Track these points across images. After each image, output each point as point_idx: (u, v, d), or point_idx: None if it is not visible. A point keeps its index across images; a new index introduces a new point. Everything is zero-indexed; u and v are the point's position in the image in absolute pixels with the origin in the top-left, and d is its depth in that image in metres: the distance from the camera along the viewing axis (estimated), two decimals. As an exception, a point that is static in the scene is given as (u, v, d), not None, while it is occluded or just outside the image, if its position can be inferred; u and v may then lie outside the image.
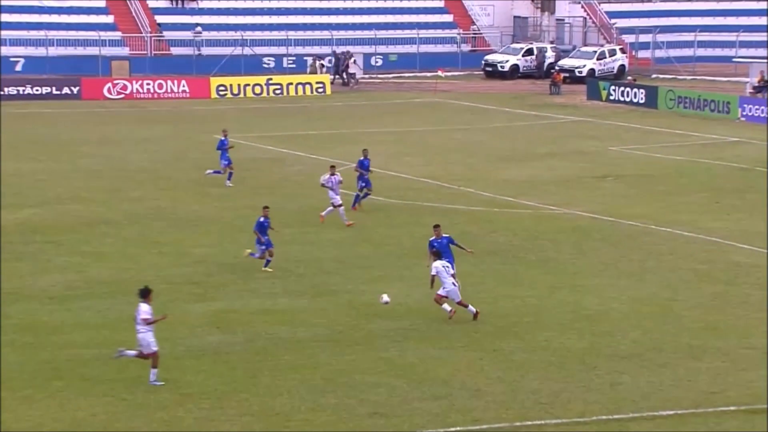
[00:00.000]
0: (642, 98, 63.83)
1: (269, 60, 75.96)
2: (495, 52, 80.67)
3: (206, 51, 76.07)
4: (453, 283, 24.53)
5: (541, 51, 78.44)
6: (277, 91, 69.16)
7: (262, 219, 29.33)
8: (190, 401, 20.09)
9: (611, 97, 65.40)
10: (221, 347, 23.16)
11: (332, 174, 34.34)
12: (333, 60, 73.45)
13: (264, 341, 23.55)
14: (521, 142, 51.73)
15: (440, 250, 25.19)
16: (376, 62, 79.63)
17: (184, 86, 67.82)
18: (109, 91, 66.27)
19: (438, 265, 24.54)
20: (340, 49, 75.16)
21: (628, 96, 64.73)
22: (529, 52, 78.41)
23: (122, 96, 66.07)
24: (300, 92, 69.51)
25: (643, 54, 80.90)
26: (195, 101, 65.96)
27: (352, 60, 73.76)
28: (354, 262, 30.12)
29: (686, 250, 31.40)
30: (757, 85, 63.90)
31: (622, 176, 42.84)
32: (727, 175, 43.20)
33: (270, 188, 40.53)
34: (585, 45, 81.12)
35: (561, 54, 78.37)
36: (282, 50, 77.20)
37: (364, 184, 36.15)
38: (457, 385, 20.93)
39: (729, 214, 36.16)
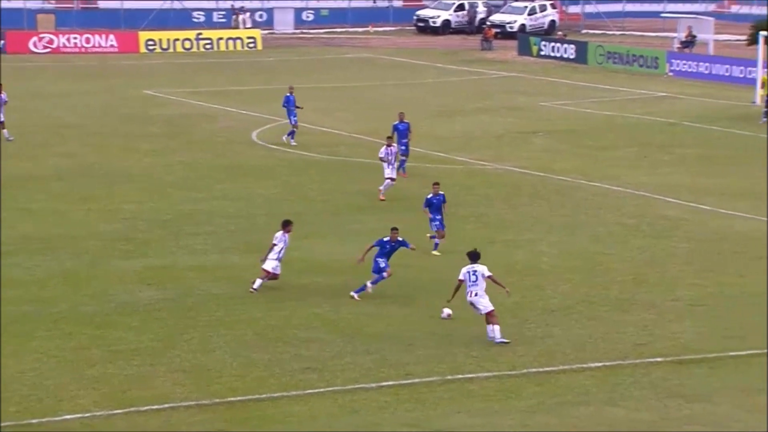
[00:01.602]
0: (572, 54, 64.19)
1: (199, 14, 75.04)
2: (427, 7, 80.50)
3: (135, 5, 74.93)
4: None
5: (473, 6, 78.46)
6: (208, 46, 68.42)
7: (430, 195, 26.99)
8: (120, 358, 19.96)
9: (542, 53, 65.68)
10: (152, 304, 23.02)
11: (389, 145, 31.88)
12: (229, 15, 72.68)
13: (196, 297, 23.45)
14: (453, 97, 51.80)
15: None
16: (308, 17, 79.08)
17: (112, 40, 66.82)
18: (34, 45, 65.10)
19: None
20: (237, 4, 74.39)
21: (558, 51, 65.05)
22: (461, 7, 78.39)
23: (48, 50, 64.93)
24: (231, 47, 68.85)
25: (573, 9, 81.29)
26: (123, 56, 65.03)
27: (248, 14, 73.13)
28: (287, 217, 30.02)
29: (615, 204, 31.77)
30: (684, 40, 64.54)
31: (552, 131, 43.13)
32: (655, 130, 43.69)
33: (201, 144, 40.19)
34: (516, 0, 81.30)
35: (492, 9, 78.48)
36: (212, 4, 76.30)
37: (403, 149, 34.16)
38: (390, 340, 21.03)
39: (657, 169, 36.62)
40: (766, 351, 20.56)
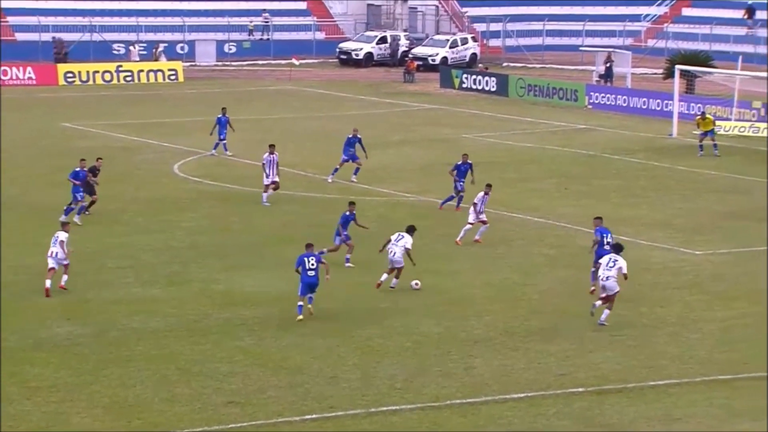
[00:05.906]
0: (493, 86, 64.82)
1: (119, 46, 74.48)
2: (349, 39, 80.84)
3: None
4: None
5: (395, 39, 78.96)
6: (128, 78, 67.89)
7: (347, 213, 28.52)
8: (38, 394, 19.61)
9: (464, 85, 66.23)
10: (72, 339, 22.67)
11: (486, 193, 31.45)
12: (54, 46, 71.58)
13: (116, 332, 23.15)
14: (376, 129, 51.94)
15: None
16: (230, 49, 78.90)
17: (30, 73, 65.98)
18: (-50, 77, 64.03)
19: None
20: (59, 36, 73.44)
21: (479, 84, 65.65)
22: (383, 40, 78.84)
23: (-36, 83, 63.89)
24: (152, 79, 68.39)
25: (494, 42, 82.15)
26: (42, 88, 64.25)
27: (161, 48, 72.58)
28: (209, 250, 29.84)
29: (537, 236, 32.05)
30: (602, 73, 65.52)
31: (474, 163, 43.36)
32: (575, 162, 44.23)
33: (121, 176, 39.79)
34: (438, 33, 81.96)
35: (414, 42, 79.05)
36: (132, 36, 75.79)
37: (460, 189, 34.71)
38: (314, 373, 20.94)
39: (577, 200, 37.05)
40: (682, 380, 20.85)
